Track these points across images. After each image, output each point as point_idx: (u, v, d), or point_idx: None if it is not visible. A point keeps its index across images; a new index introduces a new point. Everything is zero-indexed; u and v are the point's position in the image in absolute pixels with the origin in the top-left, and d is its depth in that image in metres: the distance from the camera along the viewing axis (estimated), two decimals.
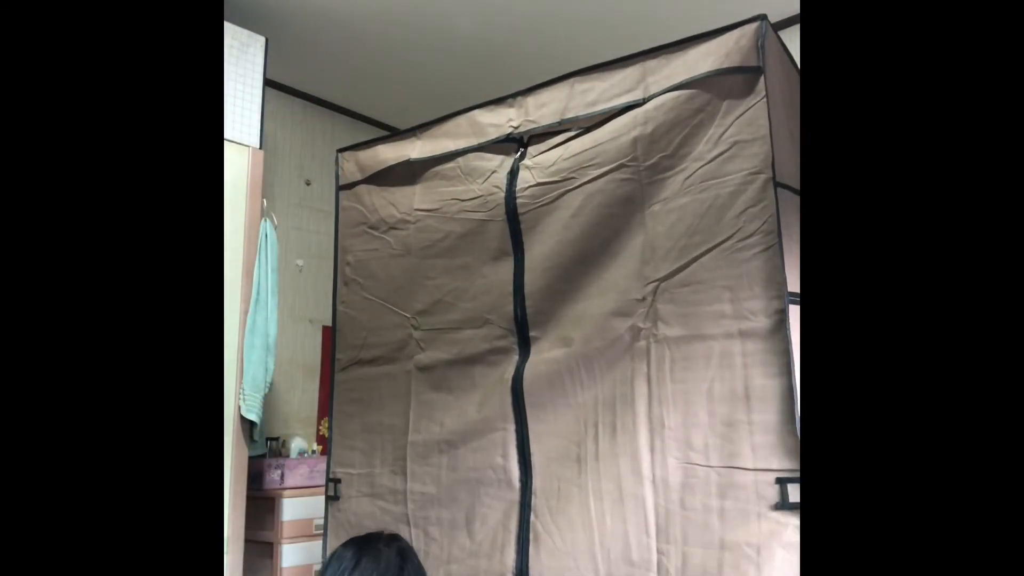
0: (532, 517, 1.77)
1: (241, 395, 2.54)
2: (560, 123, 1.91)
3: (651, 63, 1.78)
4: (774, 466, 1.46)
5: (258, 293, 2.64)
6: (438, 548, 1.93)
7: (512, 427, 1.85)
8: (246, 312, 2.60)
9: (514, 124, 2.00)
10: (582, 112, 1.87)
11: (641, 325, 1.69)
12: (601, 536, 1.65)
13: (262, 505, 2.86)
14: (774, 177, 1.54)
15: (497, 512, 1.83)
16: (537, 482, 1.79)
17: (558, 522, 1.72)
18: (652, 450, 1.62)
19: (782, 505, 1.43)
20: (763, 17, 1.62)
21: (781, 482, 1.44)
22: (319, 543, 2.60)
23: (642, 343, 1.69)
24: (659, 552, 1.57)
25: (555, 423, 1.79)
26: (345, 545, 1.45)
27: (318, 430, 3.56)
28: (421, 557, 1.97)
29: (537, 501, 1.77)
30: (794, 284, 1.50)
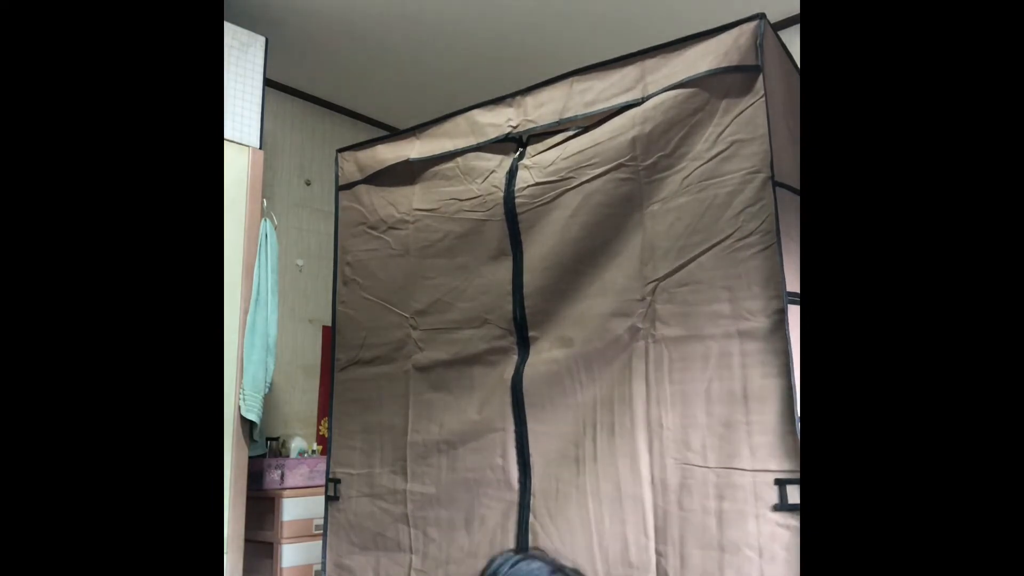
0: (531, 518, 1.77)
1: (241, 395, 2.54)
2: (559, 123, 1.91)
3: (650, 62, 1.78)
4: (772, 467, 1.45)
5: (258, 293, 2.64)
6: (437, 548, 1.93)
7: (511, 427, 1.85)
8: (246, 312, 2.60)
9: (513, 124, 1.99)
10: (581, 112, 1.86)
11: (640, 325, 1.69)
12: (600, 537, 1.65)
13: (262, 505, 2.86)
14: (772, 176, 1.54)
15: (496, 513, 1.83)
16: (536, 483, 1.79)
17: (557, 523, 1.72)
18: (651, 451, 1.62)
19: (781, 506, 1.43)
20: (761, 16, 1.62)
21: (780, 483, 1.44)
22: (319, 543, 2.60)
23: (640, 343, 1.68)
24: (658, 553, 1.57)
25: (554, 424, 1.79)
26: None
27: (318, 430, 3.56)
28: (420, 557, 1.97)
29: (536, 502, 1.77)
30: (793, 284, 1.50)
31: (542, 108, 1.95)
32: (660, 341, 1.65)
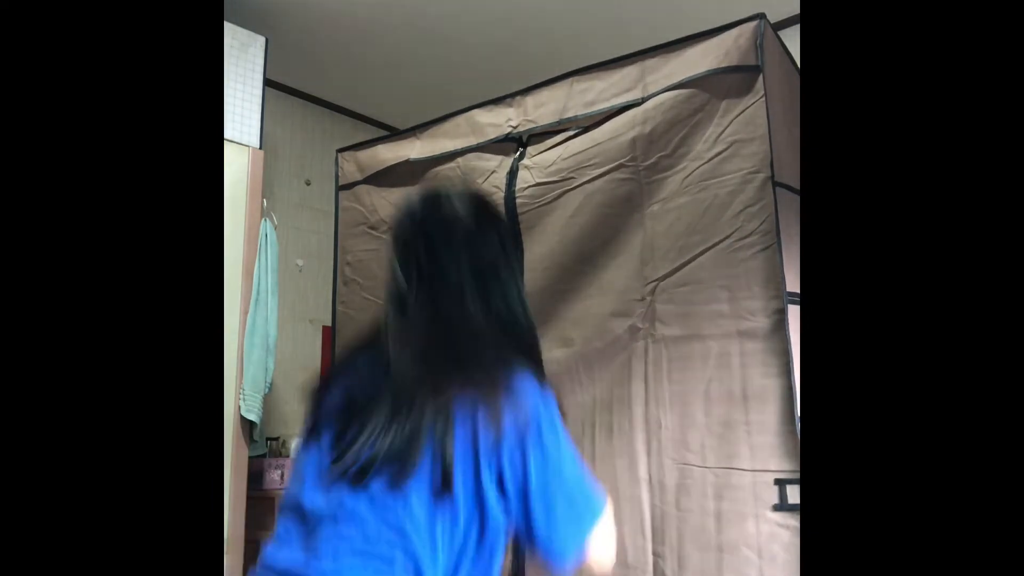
0: None
1: (241, 395, 2.54)
2: (559, 123, 1.91)
3: (650, 62, 1.77)
4: (772, 467, 1.45)
5: (258, 293, 2.64)
6: None
7: None
8: (246, 312, 2.60)
9: (513, 124, 1.99)
10: (581, 112, 1.86)
11: (640, 325, 1.69)
12: None
13: (262, 505, 2.86)
14: (772, 176, 1.53)
15: None
16: None
17: None
18: (649, 451, 1.62)
19: (781, 506, 1.43)
20: (762, 16, 1.62)
21: (780, 483, 1.44)
22: None
23: (640, 343, 1.68)
24: (655, 555, 1.57)
25: None
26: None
27: None
28: None
29: None
30: (793, 284, 1.50)
31: (542, 108, 1.95)
32: (660, 341, 1.65)
